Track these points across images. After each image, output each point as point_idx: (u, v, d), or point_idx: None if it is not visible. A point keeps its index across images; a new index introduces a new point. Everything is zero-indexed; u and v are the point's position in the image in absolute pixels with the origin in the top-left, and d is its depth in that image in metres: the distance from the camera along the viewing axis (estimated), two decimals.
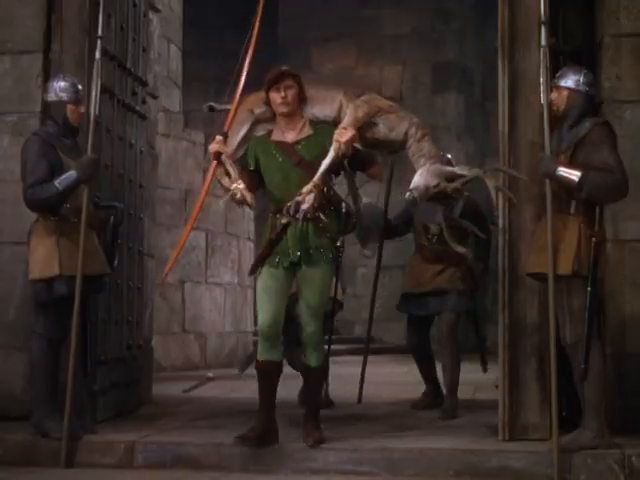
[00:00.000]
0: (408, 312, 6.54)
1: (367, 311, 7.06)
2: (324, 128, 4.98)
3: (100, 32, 5.46)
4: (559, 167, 4.66)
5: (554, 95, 4.90)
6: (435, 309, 6.33)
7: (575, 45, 5.49)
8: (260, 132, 5.12)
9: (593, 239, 4.65)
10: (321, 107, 5.01)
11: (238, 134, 5.05)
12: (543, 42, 4.94)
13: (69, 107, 5.43)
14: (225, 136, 4.97)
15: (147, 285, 6.92)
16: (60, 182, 5.23)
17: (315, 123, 5.04)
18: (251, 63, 5.19)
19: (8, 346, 5.99)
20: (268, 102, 5.01)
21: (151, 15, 7.23)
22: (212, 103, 5.44)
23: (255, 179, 5.03)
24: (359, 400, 6.78)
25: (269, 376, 4.94)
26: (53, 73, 5.81)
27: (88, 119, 5.39)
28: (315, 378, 5.10)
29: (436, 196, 4.87)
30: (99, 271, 5.47)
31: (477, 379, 7.03)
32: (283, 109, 4.96)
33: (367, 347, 7.10)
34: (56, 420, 5.20)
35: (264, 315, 4.87)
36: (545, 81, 4.89)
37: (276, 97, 4.94)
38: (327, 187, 4.91)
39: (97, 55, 5.44)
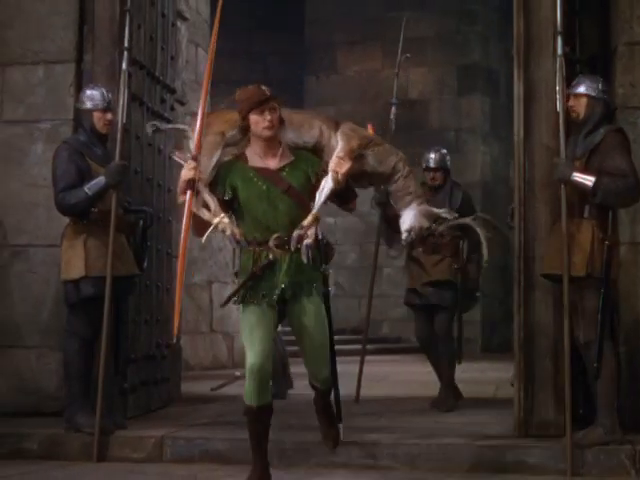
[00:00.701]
0: (412, 304, 6.87)
1: (393, 311, 7.31)
2: (304, 154, 4.65)
3: (127, 44, 5.71)
4: (574, 172, 4.84)
5: (573, 102, 5.08)
6: (434, 300, 6.61)
7: (590, 53, 5.64)
8: (226, 157, 4.67)
9: (606, 242, 4.82)
10: (299, 132, 4.68)
11: (211, 159, 4.56)
12: (559, 51, 5.12)
13: (96, 114, 5.67)
14: (195, 160, 4.46)
15: (176, 286, 7.12)
16: (89, 187, 5.47)
17: (292, 148, 4.67)
18: (211, 76, 4.70)
19: (42, 345, 6.25)
20: (244, 124, 4.58)
21: (179, 23, 7.46)
22: (156, 122, 5.16)
23: (229, 210, 4.57)
24: (357, 399, 6.86)
25: (262, 422, 4.52)
26: (85, 83, 6.06)
27: (117, 127, 5.63)
28: (326, 394, 4.73)
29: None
30: (128, 272, 5.70)
31: (499, 378, 7.22)
32: (267, 133, 4.52)
33: (364, 347, 7.32)
34: (88, 416, 5.44)
35: (254, 356, 4.42)
36: (561, 89, 5.06)
37: (260, 120, 4.50)
38: None
39: (124, 66, 5.68)
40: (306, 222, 4.41)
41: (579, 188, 4.86)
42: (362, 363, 7.08)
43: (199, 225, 4.51)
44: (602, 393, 4.88)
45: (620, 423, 4.95)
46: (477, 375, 8.73)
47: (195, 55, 11.51)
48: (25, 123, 6.39)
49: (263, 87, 4.59)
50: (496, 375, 6.98)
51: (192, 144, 4.54)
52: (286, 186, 4.51)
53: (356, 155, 4.62)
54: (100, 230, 5.54)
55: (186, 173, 4.42)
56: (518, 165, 5.36)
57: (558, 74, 5.09)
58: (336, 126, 4.68)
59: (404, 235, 4.71)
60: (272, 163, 4.57)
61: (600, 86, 5.08)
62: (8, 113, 6.42)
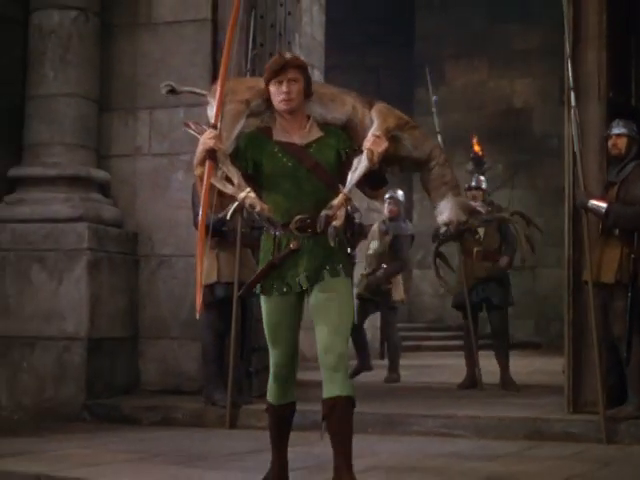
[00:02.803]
0: (462, 306, 8.33)
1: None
2: (333, 130, 4.25)
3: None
4: (590, 200, 6.00)
5: (615, 141, 6.22)
6: (483, 297, 8.14)
7: (627, 95, 6.76)
8: (248, 129, 4.25)
9: (632, 256, 5.94)
10: (329, 107, 4.25)
11: (234, 129, 4.12)
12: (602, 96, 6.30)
13: None
14: (215, 129, 4.08)
15: None
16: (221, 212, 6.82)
17: (321, 124, 4.25)
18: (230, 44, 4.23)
19: (183, 337, 7.65)
20: (266, 94, 4.17)
21: None
22: (171, 83, 4.56)
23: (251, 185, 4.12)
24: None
25: (285, 421, 4.39)
26: None
27: None
28: (347, 409, 4.14)
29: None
30: (250, 277, 7.05)
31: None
32: (284, 106, 4.11)
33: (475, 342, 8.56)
34: (222, 393, 6.77)
35: (278, 355, 4.23)
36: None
37: (277, 91, 4.09)
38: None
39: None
40: (336, 202, 4.04)
41: (595, 213, 6.01)
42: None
43: (219, 200, 4.15)
44: (631, 377, 6.01)
45: None
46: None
47: (311, 75, 12.84)
48: (169, 155, 7.79)
49: (287, 55, 4.20)
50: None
51: (210, 111, 4.18)
52: (313, 163, 4.14)
53: (391, 136, 4.24)
54: (230, 244, 6.87)
55: (206, 142, 4.02)
56: (568, 191, 6.49)
57: (600, 117, 6.29)
58: (370, 104, 4.31)
59: (442, 229, 4.65)
60: (298, 138, 4.18)
61: (635, 128, 6.21)
62: (155, 147, 7.86)
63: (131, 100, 7.88)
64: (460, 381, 8.32)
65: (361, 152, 4.13)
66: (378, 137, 4.13)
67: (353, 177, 4.11)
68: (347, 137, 4.25)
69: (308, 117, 4.23)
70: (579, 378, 6.37)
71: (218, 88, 4.09)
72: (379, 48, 17.84)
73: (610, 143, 6.21)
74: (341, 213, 4.07)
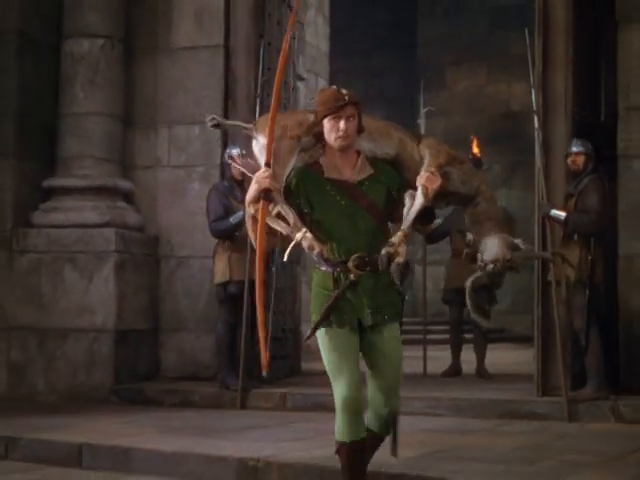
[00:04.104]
0: (452, 302, 9.11)
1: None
2: (383, 167, 4.20)
3: (258, 113, 7.87)
4: (552, 209, 6.87)
5: (576, 158, 7.08)
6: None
7: (594, 114, 7.64)
8: (297, 164, 4.19)
9: (589, 257, 6.82)
10: (379, 142, 4.23)
11: (286, 167, 4.10)
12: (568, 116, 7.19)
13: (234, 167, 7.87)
14: (269, 167, 3.98)
15: (296, 284, 9.31)
16: (233, 219, 7.64)
17: (370, 159, 4.20)
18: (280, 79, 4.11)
19: (199, 329, 8.54)
20: (319, 130, 4.10)
21: (299, 83, 9.69)
22: (216, 116, 4.50)
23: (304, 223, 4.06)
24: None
25: (361, 458, 4.09)
26: (229, 140, 8.29)
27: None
28: (378, 443, 4.25)
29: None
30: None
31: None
32: (340, 143, 4.05)
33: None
34: (234, 378, 7.62)
35: (347, 384, 3.96)
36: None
37: (334, 128, 4.03)
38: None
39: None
40: (396, 239, 4.01)
41: (556, 221, 6.89)
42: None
43: (272, 240, 4.10)
44: (589, 364, 6.90)
45: (606, 384, 6.95)
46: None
47: (316, 83, 13.64)
48: (186, 167, 8.66)
49: (343, 91, 4.09)
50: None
51: (256, 146, 4.14)
52: (367, 202, 4.10)
53: (443, 172, 4.18)
54: (241, 247, 7.74)
55: (261, 181, 3.94)
56: (537, 201, 7.34)
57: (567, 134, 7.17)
58: (418, 139, 4.29)
59: (489, 267, 4.33)
60: (350, 175, 4.13)
61: (590, 146, 7.09)
62: (174, 160, 8.73)
63: (152, 117, 8.76)
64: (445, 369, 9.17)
65: (410, 189, 4.13)
66: (432, 174, 4.08)
67: (410, 214, 4.08)
68: (396, 174, 4.19)
69: (358, 153, 4.17)
70: (547, 366, 7.24)
71: (269, 124, 3.97)
72: (383, 53, 18.48)
73: (569, 160, 7.09)
74: (402, 250, 4.01)
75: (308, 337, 4.11)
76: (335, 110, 4.00)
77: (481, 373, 8.93)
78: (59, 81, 8.58)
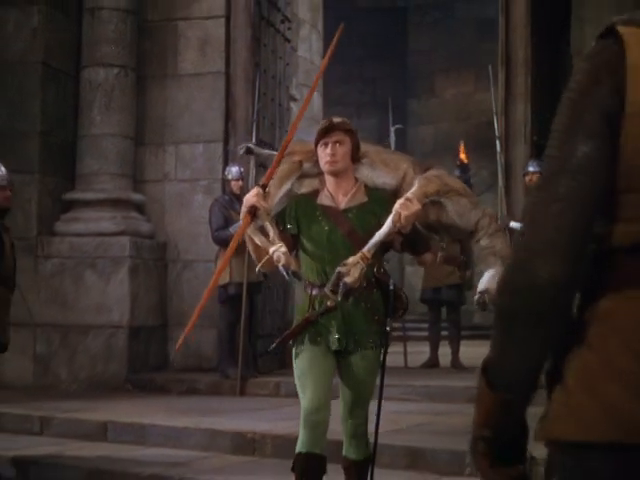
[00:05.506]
0: (429, 301, 10.11)
1: None
2: (379, 196, 4.18)
3: (255, 133, 8.90)
4: (511, 221, 7.93)
5: (533, 176, 8.14)
6: (448, 298, 9.83)
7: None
8: (303, 189, 4.29)
9: None
10: (381, 172, 4.22)
11: (281, 188, 4.19)
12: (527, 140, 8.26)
13: (233, 183, 8.89)
14: (264, 188, 4.09)
15: (289, 286, 10.32)
16: (232, 229, 8.62)
17: (369, 188, 4.21)
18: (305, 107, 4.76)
19: (202, 325, 9.43)
20: (316, 158, 4.18)
21: (292, 106, 10.74)
22: (250, 145, 4.77)
23: (291, 244, 4.15)
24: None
25: (313, 475, 4.09)
26: (230, 158, 9.33)
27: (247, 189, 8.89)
28: (361, 469, 4.26)
29: None
30: (257, 279, 8.93)
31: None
32: (329, 167, 4.11)
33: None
34: (234, 369, 8.62)
35: (310, 399, 4.01)
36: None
37: (323, 153, 4.10)
38: (378, 263, 4.15)
39: (252, 145, 8.96)
40: (351, 259, 3.89)
41: (516, 231, 7.96)
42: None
43: (259, 254, 4.09)
44: None
45: None
46: None
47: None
48: (191, 181, 9.67)
49: (335, 118, 4.19)
50: None
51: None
52: (348, 229, 4.11)
53: (431, 201, 4.08)
54: (240, 253, 8.77)
55: (249, 199, 4.05)
56: (500, 215, 8.42)
57: (526, 156, 8.25)
58: (424, 171, 4.21)
59: (477, 296, 4.19)
60: (340, 201, 4.17)
61: None
62: (179, 174, 9.74)
63: (160, 137, 9.78)
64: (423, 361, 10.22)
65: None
66: (409, 200, 3.96)
67: (374, 237, 3.96)
68: (392, 205, 4.02)
69: (357, 180, 4.21)
70: None
71: (279, 152, 4.19)
72: (375, 62, 19.13)
73: (527, 179, 8.16)
74: (354, 271, 3.87)
75: (271, 348, 4.47)
76: (323, 136, 4.09)
77: (455, 365, 9.91)
78: (78, 106, 9.61)
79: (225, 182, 9.08)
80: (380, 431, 4.32)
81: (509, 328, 1.60)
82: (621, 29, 1.57)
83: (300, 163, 4.20)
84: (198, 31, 9.71)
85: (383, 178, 4.21)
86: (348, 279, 3.86)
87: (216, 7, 9.63)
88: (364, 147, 4.24)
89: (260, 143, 9.00)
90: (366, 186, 4.20)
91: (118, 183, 9.56)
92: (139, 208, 9.78)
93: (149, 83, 9.85)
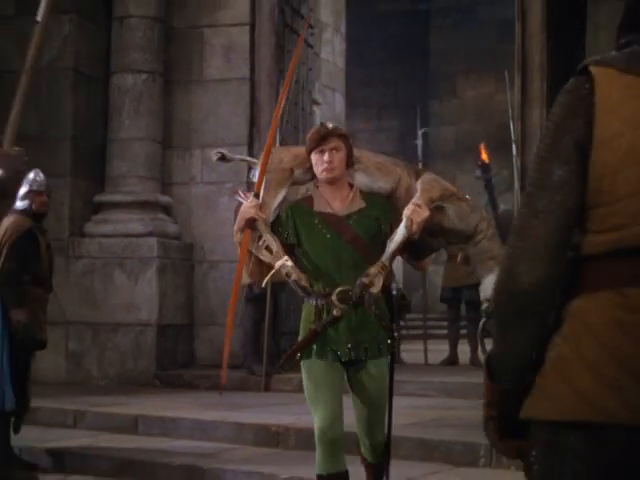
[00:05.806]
0: (449, 300, 10.35)
1: None
2: (377, 200, 4.16)
3: (279, 139, 9.18)
4: None
5: None
6: (468, 297, 10.04)
7: None
8: (295, 197, 4.27)
9: None
10: (375, 177, 4.19)
11: (276, 196, 4.13)
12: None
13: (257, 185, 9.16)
14: (257, 197, 4.06)
15: None
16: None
17: (365, 193, 4.17)
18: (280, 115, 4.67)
19: None
20: (308, 163, 4.14)
21: (315, 108, 11.02)
22: (222, 150, 4.69)
23: (291, 256, 4.10)
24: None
25: None
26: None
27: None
28: (377, 471, 4.29)
29: None
30: (280, 279, 9.23)
31: None
32: (326, 175, 4.06)
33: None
34: (259, 365, 8.89)
35: (323, 418, 3.95)
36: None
37: (319, 161, 4.05)
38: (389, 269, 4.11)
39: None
40: (372, 270, 3.94)
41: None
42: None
43: (257, 268, 4.17)
44: None
45: None
46: None
47: (333, 97, 14.83)
48: (216, 183, 9.90)
49: (329, 124, 4.18)
50: None
51: (255, 177, 4.28)
52: (351, 236, 4.06)
53: (435, 206, 4.10)
54: None
55: (246, 211, 4.03)
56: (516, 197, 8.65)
57: None
58: (417, 175, 4.21)
59: (484, 305, 4.20)
60: (339, 209, 4.11)
61: None
62: (206, 177, 10.00)
63: (187, 141, 10.04)
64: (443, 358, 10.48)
65: (401, 221, 4.02)
66: (419, 206, 3.98)
67: (390, 246, 4.00)
68: (390, 208, 4.13)
69: (351, 186, 4.16)
70: None
71: (262, 157, 4.15)
72: (397, 63, 19.31)
73: None
74: (377, 281, 3.94)
75: (280, 365, 4.27)
76: (318, 143, 4.06)
77: (474, 362, 10.08)
78: (108, 111, 9.90)
79: (249, 185, 9.34)
80: (397, 424, 4.43)
81: (501, 326, 1.91)
82: (593, 69, 1.86)
83: (291, 170, 4.19)
84: (223, 38, 9.96)
85: (378, 182, 4.21)
86: (374, 289, 3.94)
87: (241, 15, 9.89)
88: (355, 152, 4.23)
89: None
90: (361, 191, 4.19)
91: (146, 185, 9.82)
92: (166, 210, 10.02)
93: (175, 88, 10.10)
